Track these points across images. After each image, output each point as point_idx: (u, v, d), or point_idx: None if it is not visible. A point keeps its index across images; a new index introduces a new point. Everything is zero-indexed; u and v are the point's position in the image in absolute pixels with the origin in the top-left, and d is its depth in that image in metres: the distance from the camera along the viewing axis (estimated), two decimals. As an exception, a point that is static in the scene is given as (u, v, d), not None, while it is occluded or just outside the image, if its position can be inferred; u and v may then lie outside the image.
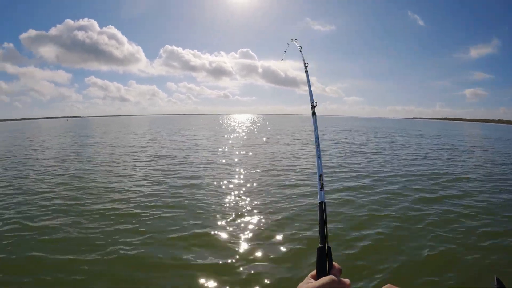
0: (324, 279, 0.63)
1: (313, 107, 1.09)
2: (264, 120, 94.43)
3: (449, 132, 39.46)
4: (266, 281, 3.66)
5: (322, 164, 0.88)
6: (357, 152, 15.60)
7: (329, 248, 0.68)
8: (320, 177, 0.81)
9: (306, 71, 1.44)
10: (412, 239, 4.86)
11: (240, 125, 53.81)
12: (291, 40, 2.06)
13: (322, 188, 0.79)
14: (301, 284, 0.64)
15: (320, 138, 0.98)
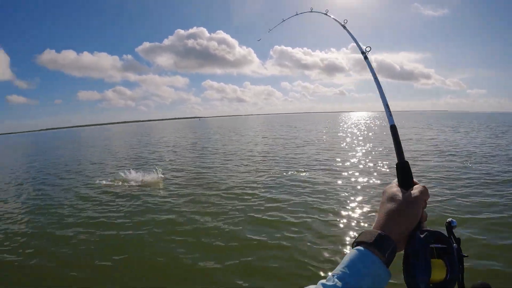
0: (419, 187, 0.68)
1: (363, 52, 1.11)
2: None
3: None
4: None
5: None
6: None
7: (408, 162, 0.75)
8: (387, 106, 0.91)
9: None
10: None
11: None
12: (311, 9, 1.58)
13: (390, 114, 0.89)
14: (393, 190, 0.68)
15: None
